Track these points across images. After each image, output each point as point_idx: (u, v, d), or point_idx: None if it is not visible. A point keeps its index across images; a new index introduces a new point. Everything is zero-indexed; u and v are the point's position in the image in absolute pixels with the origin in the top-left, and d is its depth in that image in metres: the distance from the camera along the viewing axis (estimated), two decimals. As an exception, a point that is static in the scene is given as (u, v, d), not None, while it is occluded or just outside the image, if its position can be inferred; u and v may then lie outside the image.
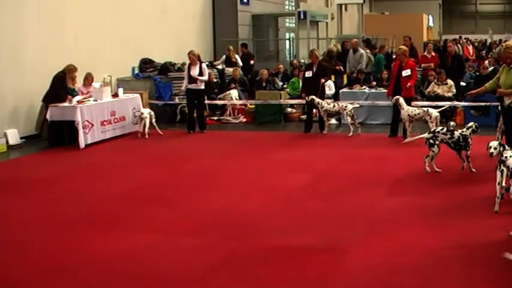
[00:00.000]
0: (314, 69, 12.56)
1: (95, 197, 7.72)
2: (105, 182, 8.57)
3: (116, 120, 12.55)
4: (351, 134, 11.80)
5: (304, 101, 12.83)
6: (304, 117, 13.41)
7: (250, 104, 14.68)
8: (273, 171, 8.96)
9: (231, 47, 17.79)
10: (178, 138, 12.28)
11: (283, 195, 7.54)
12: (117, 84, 14.71)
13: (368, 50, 17.00)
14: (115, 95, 12.93)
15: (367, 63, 15.89)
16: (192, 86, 12.53)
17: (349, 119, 12.00)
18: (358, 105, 12.42)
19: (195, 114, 12.74)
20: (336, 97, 14.38)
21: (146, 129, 12.19)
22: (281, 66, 18.13)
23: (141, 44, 16.10)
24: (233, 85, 15.76)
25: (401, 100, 11.19)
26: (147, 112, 12.36)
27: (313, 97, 12.32)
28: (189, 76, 12.53)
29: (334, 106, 12.19)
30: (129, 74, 15.79)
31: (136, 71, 15.78)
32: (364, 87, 14.24)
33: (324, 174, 8.71)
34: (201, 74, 12.54)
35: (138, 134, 12.28)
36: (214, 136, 12.52)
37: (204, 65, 12.72)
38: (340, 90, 14.34)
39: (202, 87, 12.66)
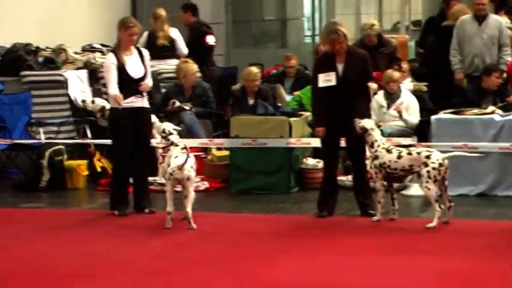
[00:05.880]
0: (340, 66, 10.00)
1: None
2: None
3: None
4: (434, 223, 9.23)
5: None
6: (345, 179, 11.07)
7: (219, 149, 11.95)
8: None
9: (161, 12, 13.95)
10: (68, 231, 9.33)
11: None
12: None
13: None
14: None
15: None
16: (131, 102, 10.33)
17: (431, 185, 9.31)
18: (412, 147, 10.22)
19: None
20: (422, 131, 11.63)
21: (189, 209, 9.12)
22: (293, 58, 13.73)
23: None
24: (176, 103, 12.36)
25: None
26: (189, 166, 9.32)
27: (365, 123, 9.66)
28: (126, 78, 10.21)
29: (400, 156, 9.47)
30: None
31: None
32: (492, 108, 11.39)
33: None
34: (146, 74, 10.56)
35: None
36: (141, 223, 9.72)
37: (146, 53, 10.68)
38: (433, 117, 11.47)
39: (147, 104, 10.64)
